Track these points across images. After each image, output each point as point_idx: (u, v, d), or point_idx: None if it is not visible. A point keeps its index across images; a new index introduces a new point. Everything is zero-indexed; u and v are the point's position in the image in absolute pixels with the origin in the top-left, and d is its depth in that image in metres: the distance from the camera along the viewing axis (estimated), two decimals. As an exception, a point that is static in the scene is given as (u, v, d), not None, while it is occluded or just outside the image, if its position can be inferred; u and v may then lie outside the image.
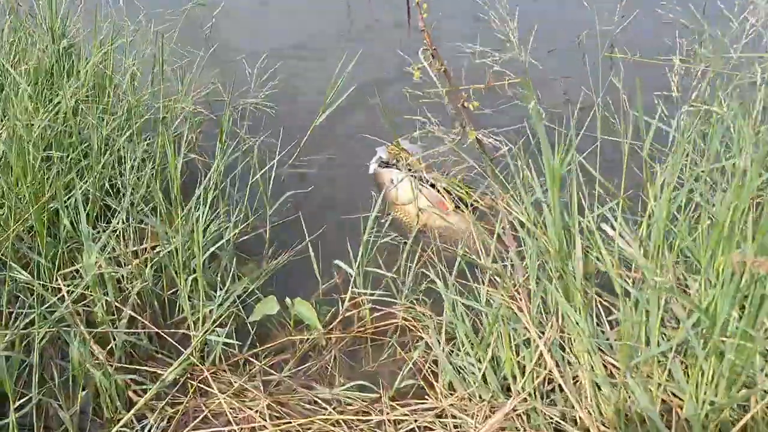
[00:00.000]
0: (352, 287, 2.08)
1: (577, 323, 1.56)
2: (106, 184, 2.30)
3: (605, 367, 1.56)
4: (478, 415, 1.66)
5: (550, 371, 1.62)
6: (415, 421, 1.72)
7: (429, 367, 1.84)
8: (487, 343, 1.70)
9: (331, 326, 2.04)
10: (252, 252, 2.35)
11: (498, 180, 2.18)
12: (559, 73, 3.16)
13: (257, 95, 3.00)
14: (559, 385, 1.60)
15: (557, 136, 1.81)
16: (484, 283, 1.85)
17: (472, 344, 1.74)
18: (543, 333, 1.63)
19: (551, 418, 1.58)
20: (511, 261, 1.88)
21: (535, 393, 1.62)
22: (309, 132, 2.87)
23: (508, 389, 1.70)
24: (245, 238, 2.35)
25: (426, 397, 1.78)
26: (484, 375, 1.70)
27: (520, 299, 1.67)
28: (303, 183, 2.71)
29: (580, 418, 1.54)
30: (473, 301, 1.82)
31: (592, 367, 1.55)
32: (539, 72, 2.58)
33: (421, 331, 1.94)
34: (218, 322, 1.95)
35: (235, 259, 2.16)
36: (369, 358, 1.98)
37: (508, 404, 1.59)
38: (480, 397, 1.70)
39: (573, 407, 1.55)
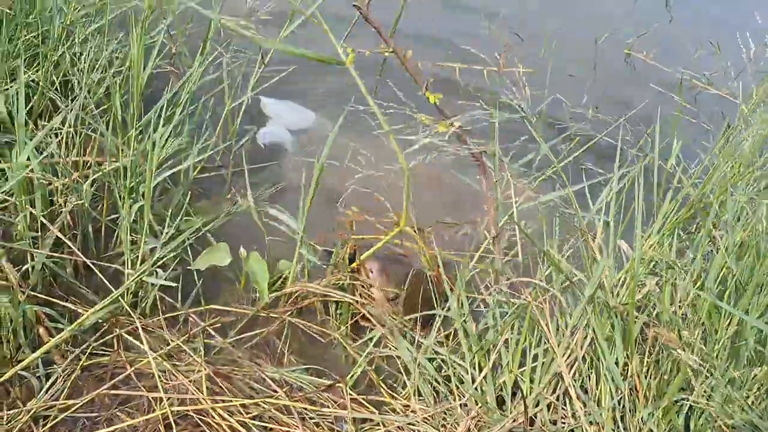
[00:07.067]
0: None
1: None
2: (60, 80, 1.91)
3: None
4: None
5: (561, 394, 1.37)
6: (383, 425, 1.44)
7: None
8: (491, 345, 1.43)
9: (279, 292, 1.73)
10: (212, 193, 2.02)
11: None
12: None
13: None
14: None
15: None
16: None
17: (470, 346, 1.47)
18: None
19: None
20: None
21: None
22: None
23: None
24: (207, 176, 2.01)
25: (390, 396, 1.52)
26: (478, 383, 1.44)
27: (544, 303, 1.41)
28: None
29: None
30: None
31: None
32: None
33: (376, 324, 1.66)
34: (160, 263, 1.62)
35: (189, 196, 1.82)
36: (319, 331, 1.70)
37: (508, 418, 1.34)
38: (466, 406, 1.43)
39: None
